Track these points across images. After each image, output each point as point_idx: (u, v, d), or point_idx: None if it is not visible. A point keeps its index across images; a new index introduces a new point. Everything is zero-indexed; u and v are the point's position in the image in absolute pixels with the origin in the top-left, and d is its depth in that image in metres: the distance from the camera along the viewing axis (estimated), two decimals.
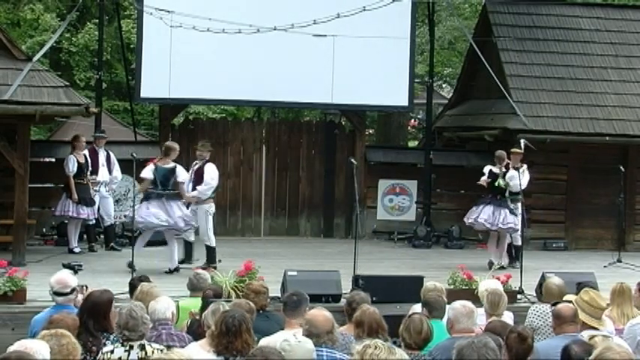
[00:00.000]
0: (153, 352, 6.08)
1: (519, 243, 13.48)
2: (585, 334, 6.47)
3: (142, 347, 6.13)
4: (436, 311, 7.24)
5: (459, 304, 6.66)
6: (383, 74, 16.37)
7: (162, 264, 12.54)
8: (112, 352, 6.11)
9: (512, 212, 13.43)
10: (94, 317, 6.58)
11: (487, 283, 8.65)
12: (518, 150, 13.64)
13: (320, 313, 6.09)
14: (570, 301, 6.95)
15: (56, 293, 7.49)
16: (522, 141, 13.92)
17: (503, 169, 13.57)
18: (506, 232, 13.63)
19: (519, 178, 13.07)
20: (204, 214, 12.64)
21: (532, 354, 5.97)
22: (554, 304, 6.91)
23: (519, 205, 13.52)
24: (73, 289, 7.43)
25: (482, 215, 13.61)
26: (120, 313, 6.25)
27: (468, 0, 24.12)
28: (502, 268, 12.95)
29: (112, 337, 6.46)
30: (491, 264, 13.24)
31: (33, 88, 12.38)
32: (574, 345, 5.66)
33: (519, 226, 13.38)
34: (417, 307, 8.11)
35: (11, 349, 4.85)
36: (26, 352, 4.80)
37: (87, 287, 7.98)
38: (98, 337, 6.49)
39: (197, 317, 7.49)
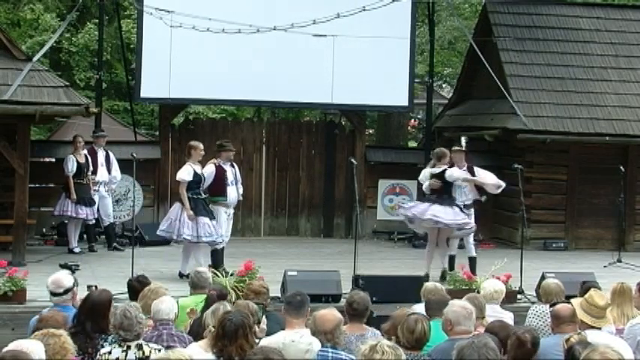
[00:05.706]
0: (150, 351, 6.07)
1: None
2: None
3: (140, 347, 6.10)
4: (436, 311, 7.20)
5: (459, 306, 6.51)
6: (383, 74, 16.36)
7: (163, 264, 12.57)
8: (109, 352, 6.09)
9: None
10: (93, 318, 6.55)
11: (489, 284, 8.59)
12: (457, 147, 12.67)
13: (329, 313, 6.07)
14: (569, 301, 6.94)
15: (51, 293, 7.51)
16: (463, 138, 12.78)
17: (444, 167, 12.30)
18: None
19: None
20: None
21: (536, 355, 5.97)
22: (552, 305, 6.91)
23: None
24: (67, 290, 7.41)
25: None
26: (114, 314, 6.23)
27: (468, 0, 24.11)
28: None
29: (109, 338, 6.43)
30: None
31: (33, 88, 12.39)
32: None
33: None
34: (417, 307, 8.10)
35: (6, 349, 4.84)
36: (22, 351, 4.80)
37: (97, 287, 7.98)
38: (95, 338, 6.45)
39: (197, 315, 7.47)
